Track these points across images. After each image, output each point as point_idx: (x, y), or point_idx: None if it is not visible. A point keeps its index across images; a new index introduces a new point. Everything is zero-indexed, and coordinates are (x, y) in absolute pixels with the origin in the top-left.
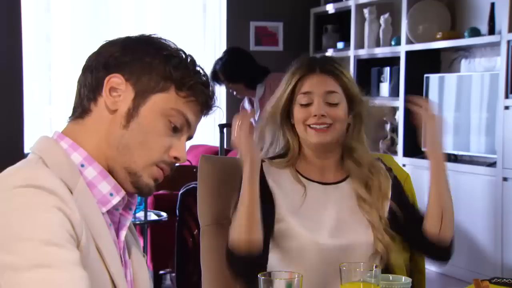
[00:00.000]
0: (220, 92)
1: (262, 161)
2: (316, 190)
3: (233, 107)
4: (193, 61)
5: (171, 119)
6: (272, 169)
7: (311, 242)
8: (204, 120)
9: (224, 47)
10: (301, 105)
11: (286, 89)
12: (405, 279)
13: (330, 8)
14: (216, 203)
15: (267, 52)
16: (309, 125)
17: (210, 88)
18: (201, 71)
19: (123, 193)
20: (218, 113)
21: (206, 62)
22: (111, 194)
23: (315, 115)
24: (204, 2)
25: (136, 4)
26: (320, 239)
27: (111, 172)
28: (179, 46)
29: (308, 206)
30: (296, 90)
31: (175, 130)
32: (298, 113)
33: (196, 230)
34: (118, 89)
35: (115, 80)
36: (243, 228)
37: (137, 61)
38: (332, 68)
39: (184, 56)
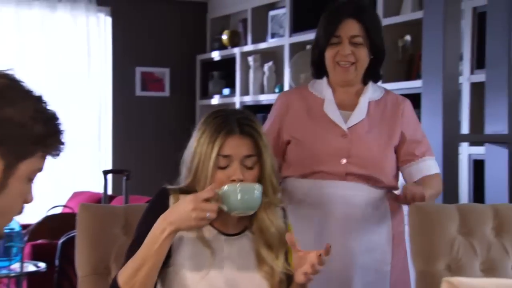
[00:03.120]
0: (101, 136)
1: (168, 193)
2: (216, 241)
3: (118, 153)
4: (55, 117)
5: (32, 177)
6: None
7: None
8: (88, 166)
9: (109, 92)
10: (220, 167)
11: (211, 153)
12: None
13: (216, 55)
14: (95, 252)
15: (153, 98)
16: None
17: (64, 140)
18: (61, 126)
19: None
20: (104, 159)
21: (92, 106)
22: None
23: (233, 180)
24: (89, 46)
25: (18, 50)
26: None
27: None
28: (62, 90)
29: (207, 259)
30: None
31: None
32: (216, 175)
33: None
34: None
35: None
36: (137, 284)
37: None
38: (251, 130)
39: (49, 112)
